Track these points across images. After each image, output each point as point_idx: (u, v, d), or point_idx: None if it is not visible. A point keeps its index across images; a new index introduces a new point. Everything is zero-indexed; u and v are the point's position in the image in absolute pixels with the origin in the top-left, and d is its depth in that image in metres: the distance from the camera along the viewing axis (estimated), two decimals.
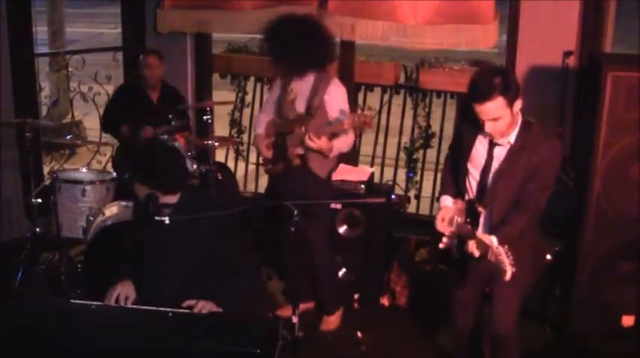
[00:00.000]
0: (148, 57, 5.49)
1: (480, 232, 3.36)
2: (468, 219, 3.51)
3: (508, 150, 3.44)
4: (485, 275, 3.58)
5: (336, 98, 4.34)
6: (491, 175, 3.49)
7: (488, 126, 3.35)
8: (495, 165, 3.48)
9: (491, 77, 3.30)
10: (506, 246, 3.22)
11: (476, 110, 3.33)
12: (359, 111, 4.07)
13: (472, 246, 3.34)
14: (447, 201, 3.69)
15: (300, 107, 4.37)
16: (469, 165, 3.57)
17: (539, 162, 3.37)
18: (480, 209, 3.48)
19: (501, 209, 3.45)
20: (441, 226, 3.59)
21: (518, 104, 3.36)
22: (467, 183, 3.60)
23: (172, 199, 3.41)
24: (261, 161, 4.69)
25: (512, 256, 3.20)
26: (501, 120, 3.33)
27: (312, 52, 4.28)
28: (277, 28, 4.33)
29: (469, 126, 3.54)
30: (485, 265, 3.42)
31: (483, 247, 3.29)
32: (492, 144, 3.48)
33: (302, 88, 4.38)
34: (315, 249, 4.51)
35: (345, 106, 4.39)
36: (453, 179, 3.71)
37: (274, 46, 4.34)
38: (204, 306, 3.26)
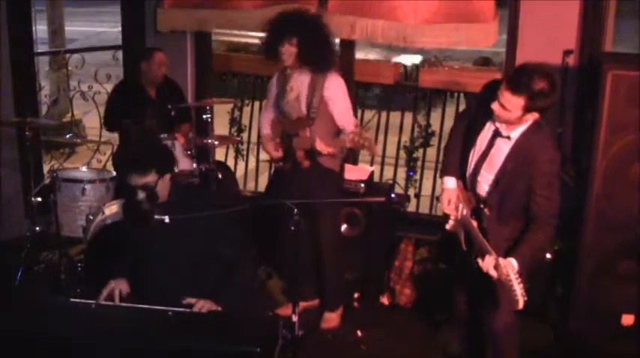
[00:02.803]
0: (158, 54, 5.41)
1: (502, 259, 3.27)
2: (473, 217, 3.52)
3: (512, 148, 3.43)
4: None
5: (335, 93, 4.32)
6: (492, 167, 3.48)
7: (495, 106, 3.35)
8: (494, 156, 3.48)
9: (537, 79, 3.24)
10: (517, 271, 3.20)
11: (500, 86, 3.33)
12: (362, 132, 4.07)
13: (490, 267, 3.28)
14: (451, 182, 3.67)
15: (302, 104, 4.36)
16: (472, 150, 3.57)
17: (535, 173, 3.37)
18: (486, 211, 3.47)
19: (502, 212, 3.46)
20: (448, 209, 3.60)
21: (534, 115, 3.34)
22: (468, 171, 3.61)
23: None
24: (266, 158, 4.70)
25: (523, 284, 3.17)
26: (508, 113, 3.33)
27: (315, 49, 4.25)
28: (283, 21, 4.31)
29: (484, 109, 3.52)
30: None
31: (499, 271, 3.27)
32: (495, 136, 3.48)
33: (301, 85, 4.36)
34: (324, 245, 4.52)
35: (346, 101, 4.38)
36: (457, 158, 3.68)
37: (278, 39, 4.28)
38: (203, 305, 3.26)
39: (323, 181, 4.39)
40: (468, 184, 3.60)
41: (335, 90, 4.33)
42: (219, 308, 3.28)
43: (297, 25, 4.26)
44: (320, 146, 4.21)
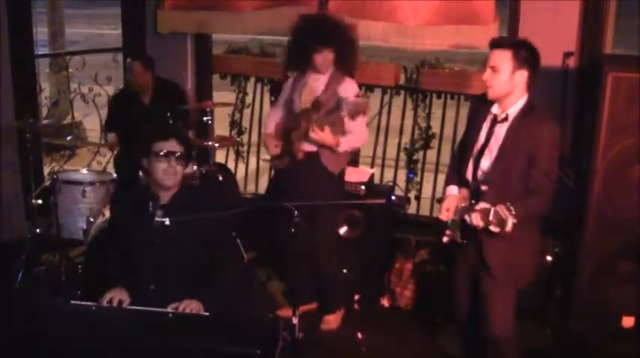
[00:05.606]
0: (134, 64, 5.46)
1: (481, 203, 3.33)
2: (472, 201, 3.51)
3: (508, 128, 3.44)
4: (477, 265, 3.60)
5: (350, 93, 4.29)
6: (492, 155, 3.47)
7: (486, 74, 3.44)
8: (494, 144, 3.47)
9: (518, 40, 3.53)
10: (508, 204, 3.18)
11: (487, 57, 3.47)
12: (354, 98, 4.11)
13: (476, 219, 3.32)
14: (453, 189, 3.67)
15: (308, 102, 4.38)
16: (473, 149, 3.57)
17: (536, 144, 3.37)
18: (484, 188, 3.46)
19: (503, 191, 3.43)
20: (445, 215, 3.59)
21: (523, 74, 3.39)
22: (468, 169, 3.60)
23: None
24: (267, 157, 4.72)
25: (515, 212, 3.15)
26: (498, 75, 3.39)
27: (351, 55, 4.37)
28: (317, 24, 4.37)
29: (477, 116, 3.57)
30: (474, 257, 3.51)
31: (484, 214, 3.26)
32: (494, 123, 3.49)
33: (316, 83, 4.40)
34: (321, 248, 4.51)
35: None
36: (458, 172, 3.69)
37: (312, 47, 4.31)
38: (187, 305, 3.26)
39: (323, 183, 4.39)
40: (470, 177, 3.59)
41: (351, 91, 4.31)
42: (205, 310, 3.27)
43: (334, 34, 4.33)
44: (312, 131, 4.21)
